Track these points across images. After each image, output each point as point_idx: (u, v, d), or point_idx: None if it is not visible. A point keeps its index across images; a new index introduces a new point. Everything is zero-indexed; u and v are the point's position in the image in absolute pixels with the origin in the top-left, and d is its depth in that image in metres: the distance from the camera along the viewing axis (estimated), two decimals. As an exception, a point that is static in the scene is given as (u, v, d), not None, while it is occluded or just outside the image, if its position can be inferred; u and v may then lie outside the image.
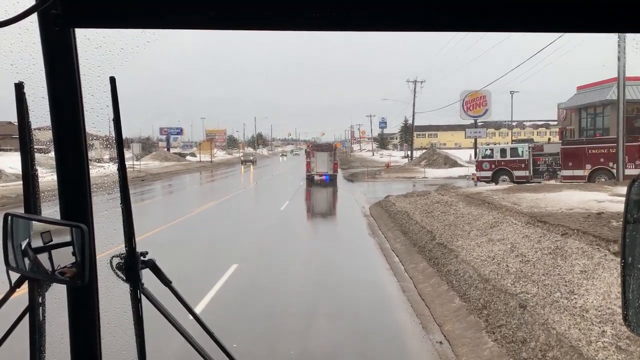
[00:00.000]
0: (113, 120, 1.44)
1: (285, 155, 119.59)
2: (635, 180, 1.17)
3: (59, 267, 1.47)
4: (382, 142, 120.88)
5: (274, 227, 18.40)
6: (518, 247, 10.71)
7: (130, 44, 1.55)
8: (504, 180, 30.17)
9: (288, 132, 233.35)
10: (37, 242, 1.48)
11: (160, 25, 1.30)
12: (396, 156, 76.91)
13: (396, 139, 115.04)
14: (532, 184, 25.14)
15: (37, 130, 1.50)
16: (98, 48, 1.51)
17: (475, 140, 47.94)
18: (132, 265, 1.48)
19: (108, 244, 2.22)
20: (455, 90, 62.68)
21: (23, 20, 1.20)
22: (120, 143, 1.45)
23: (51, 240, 1.48)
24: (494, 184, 29.23)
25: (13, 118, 1.49)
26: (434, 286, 10.28)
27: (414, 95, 63.95)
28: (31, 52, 1.43)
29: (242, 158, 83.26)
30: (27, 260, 1.48)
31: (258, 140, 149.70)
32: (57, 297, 1.66)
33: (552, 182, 27.74)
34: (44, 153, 2.26)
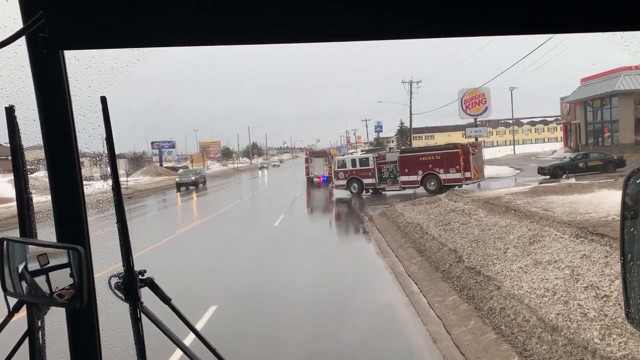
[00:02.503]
0: (106, 139, 1.43)
1: (266, 168, 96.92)
2: (631, 175, 1.17)
3: (57, 290, 1.46)
4: (379, 146, 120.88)
5: (265, 247, 16.77)
6: (581, 273, 8.05)
7: (120, 63, 1.55)
8: (354, 188, 33.50)
9: (283, 140, 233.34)
10: (34, 266, 1.47)
11: (149, 44, 1.29)
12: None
13: (392, 142, 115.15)
14: (553, 184, 25.03)
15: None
16: (88, 68, 1.50)
17: (476, 139, 47.53)
18: (130, 284, 1.47)
19: (105, 264, 2.20)
20: (452, 91, 62.60)
21: (11, 44, 1.20)
22: (113, 162, 1.45)
23: (48, 263, 1.46)
24: (349, 191, 33.44)
25: (1, 140, 1.49)
26: (475, 333, 7.64)
27: (410, 96, 63.55)
28: (20, 75, 1.43)
29: (177, 180, 51.71)
30: (24, 284, 1.47)
31: (253, 150, 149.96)
32: (56, 319, 1.64)
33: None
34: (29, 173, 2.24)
